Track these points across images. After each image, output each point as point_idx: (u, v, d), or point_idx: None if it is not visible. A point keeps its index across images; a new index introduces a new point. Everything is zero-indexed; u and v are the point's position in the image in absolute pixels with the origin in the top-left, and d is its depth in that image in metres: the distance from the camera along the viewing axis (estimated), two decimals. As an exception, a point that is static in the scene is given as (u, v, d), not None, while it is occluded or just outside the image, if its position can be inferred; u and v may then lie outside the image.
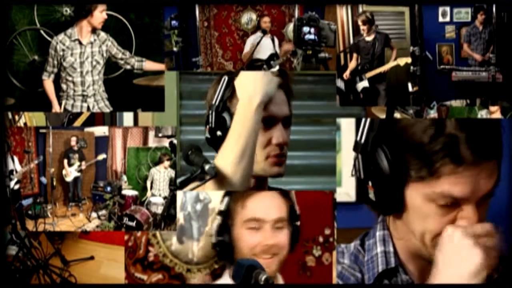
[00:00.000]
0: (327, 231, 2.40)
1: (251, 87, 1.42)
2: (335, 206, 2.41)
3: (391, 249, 1.25)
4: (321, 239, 2.40)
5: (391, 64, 2.80)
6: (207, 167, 1.42)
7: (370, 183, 1.17)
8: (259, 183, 1.57)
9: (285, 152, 1.54)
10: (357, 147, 1.17)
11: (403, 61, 2.77)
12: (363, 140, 1.16)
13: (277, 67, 2.64)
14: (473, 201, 1.11)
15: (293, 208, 1.63)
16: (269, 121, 1.50)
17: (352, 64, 2.85)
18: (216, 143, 1.48)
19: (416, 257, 1.22)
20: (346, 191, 2.84)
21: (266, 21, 3.04)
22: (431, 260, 1.13)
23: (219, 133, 1.49)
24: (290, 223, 1.62)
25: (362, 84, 2.83)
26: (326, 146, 3.02)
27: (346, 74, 2.85)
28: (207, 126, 1.49)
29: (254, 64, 2.89)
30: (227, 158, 1.40)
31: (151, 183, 3.30)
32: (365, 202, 1.21)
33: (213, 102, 1.49)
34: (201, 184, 1.43)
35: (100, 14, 2.60)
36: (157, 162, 3.33)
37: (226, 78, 1.49)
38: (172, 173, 3.26)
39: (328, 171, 3.00)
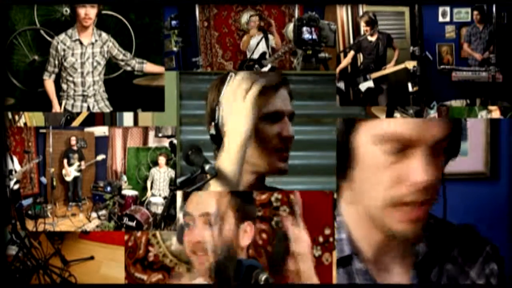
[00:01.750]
0: (327, 231, 2.40)
1: (245, 83, 1.43)
2: (335, 206, 2.41)
3: (344, 236, 1.25)
4: (321, 239, 2.40)
5: (399, 66, 2.79)
6: (207, 167, 1.43)
7: None
8: (259, 181, 1.58)
9: (290, 148, 1.55)
10: None
11: (411, 64, 2.76)
12: None
13: (269, 66, 2.64)
14: (422, 146, 1.10)
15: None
16: (276, 115, 1.52)
17: (345, 62, 2.84)
18: (221, 139, 1.49)
19: (368, 224, 1.21)
20: (346, 191, 2.83)
21: (255, 21, 3.02)
22: (383, 225, 1.13)
23: (226, 128, 1.50)
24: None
25: (367, 84, 2.82)
26: (326, 146, 3.02)
27: (340, 68, 2.83)
28: (212, 123, 1.50)
29: (246, 64, 2.89)
30: (230, 158, 1.41)
31: (151, 183, 3.30)
32: None
33: (220, 99, 1.49)
34: (201, 184, 1.43)
35: (81, 10, 2.59)
36: (156, 162, 3.33)
37: (232, 75, 1.49)
38: (172, 173, 3.27)
39: (328, 171, 2.99)
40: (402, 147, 1.10)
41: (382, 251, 1.19)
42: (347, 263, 1.23)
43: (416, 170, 1.09)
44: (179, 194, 2.29)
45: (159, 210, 3.02)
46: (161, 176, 3.27)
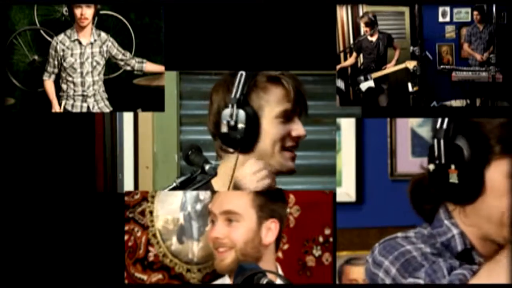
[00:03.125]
0: (327, 231, 2.40)
1: None
2: (335, 206, 2.41)
3: (455, 231, 1.26)
4: (321, 239, 2.40)
5: (400, 66, 2.79)
6: (207, 167, 1.43)
7: (453, 167, 1.21)
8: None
9: (298, 147, 1.59)
10: (438, 132, 1.22)
11: (411, 64, 2.76)
12: (444, 126, 1.21)
13: None
14: None
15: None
16: (287, 114, 1.55)
17: (348, 62, 2.84)
18: (235, 137, 1.53)
19: (486, 242, 1.23)
20: (346, 191, 2.84)
21: None
22: (505, 242, 1.15)
23: (241, 125, 1.53)
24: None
25: (367, 84, 2.82)
26: (326, 146, 3.02)
27: (342, 66, 2.83)
28: (225, 122, 1.53)
29: None
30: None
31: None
32: (442, 191, 1.24)
33: (233, 96, 1.52)
34: (201, 185, 1.44)
35: (77, 11, 2.59)
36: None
37: (243, 73, 1.50)
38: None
39: (328, 171, 3.00)
40: None
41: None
42: (469, 255, 1.24)
43: None
44: (179, 193, 2.30)
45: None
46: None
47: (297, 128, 1.57)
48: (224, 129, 1.53)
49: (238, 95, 1.52)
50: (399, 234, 1.31)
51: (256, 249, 1.59)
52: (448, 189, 1.22)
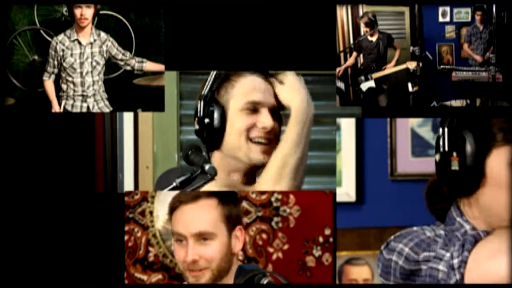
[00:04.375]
0: (327, 231, 2.40)
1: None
2: (335, 206, 2.41)
3: (468, 227, 1.27)
4: (321, 239, 2.40)
5: (401, 66, 2.79)
6: (207, 167, 1.43)
7: (454, 154, 1.22)
8: (249, 178, 1.60)
9: (271, 139, 1.58)
10: (443, 121, 1.24)
11: (412, 64, 2.76)
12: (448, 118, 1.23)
13: None
14: None
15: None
16: (253, 106, 1.57)
17: (348, 63, 2.84)
18: (204, 132, 1.55)
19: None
20: (346, 191, 2.84)
21: None
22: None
23: (207, 120, 1.56)
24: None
25: (368, 84, 2.82)
26: (326, 146, 3.02)
27: (340, 69, 2.83)
28: (196, 118, 1.57)
29: None
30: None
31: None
32: (446, 179, 1.25)
33: (202, 93, 1.56)
34: (201, 184, 1.44)
35: (77, 11, 2.59)
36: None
37: (214, 72, 1.57)
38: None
39: (328, 171, 3.00)
40: None
41: None
42: None
43: None
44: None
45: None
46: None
47: (264, 121, 1.56)
48: (196, 126, 1.62)
49: (206, 92, 1.59)
50: (414, 228, 1.31)
51: (230, 261, 1.51)
52: (450, 177, 1.23)
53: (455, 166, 1.21)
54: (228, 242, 1.51)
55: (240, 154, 1.56)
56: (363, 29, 2.83)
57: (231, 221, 1.52)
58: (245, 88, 1.59)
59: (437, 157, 1.25)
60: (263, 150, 1.56)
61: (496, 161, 1.19)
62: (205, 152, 1.59)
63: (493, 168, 1.19)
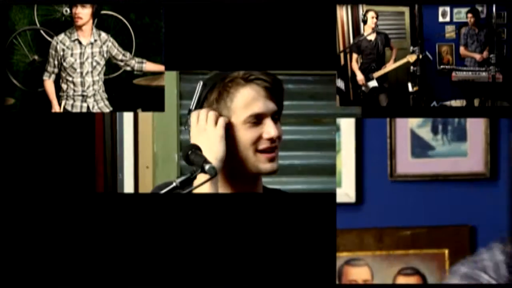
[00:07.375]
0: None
1: None
2: (334, 206, 2.40)
3: None
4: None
5: (401, 61, 2.79)
6: (207, 167, 1.43)
7: None
8: (252, 181, 1.58)
9: (277, 146, 1.56)
10: None
11: (413, 57, 2.76)
12: None
13: None
14: None
15: None
16: (256, 118, 1.54)
17: (355, 65, 2.84)
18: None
19: None
20: (346, 191, 2.84)
21: None
22: None
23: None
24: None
25: (371, 84, 2.82)
26: (326, 146, 3.01)
27: (361, 79, 2.82)
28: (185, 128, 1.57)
29: None
30: None
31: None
32: None
33: (190, 107, 1.55)
34: (200, 184, 1.44)
35: (73, 10, 2.59)
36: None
37: (201, 82, 1.55)
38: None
39: (328, 171, 2.99)
40: None
41: None
42: None
43: None
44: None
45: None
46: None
47: (270, 131, 1.52)
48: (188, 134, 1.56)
49: (194, 104, 1.56)
50: None
51: None
52: None
53: None
54: None
55: (248, 166, 1.54)
56: (373, 21, 2.80)
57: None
58: (245, 100, 1.53)
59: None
60: (270, 158, 1.54)
61: None
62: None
63: None
